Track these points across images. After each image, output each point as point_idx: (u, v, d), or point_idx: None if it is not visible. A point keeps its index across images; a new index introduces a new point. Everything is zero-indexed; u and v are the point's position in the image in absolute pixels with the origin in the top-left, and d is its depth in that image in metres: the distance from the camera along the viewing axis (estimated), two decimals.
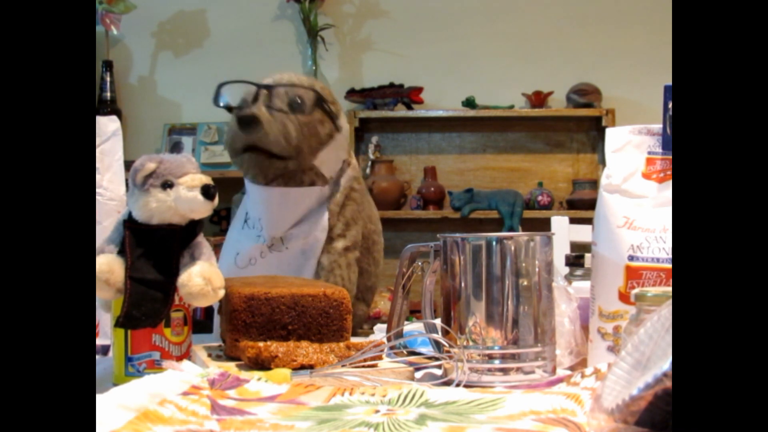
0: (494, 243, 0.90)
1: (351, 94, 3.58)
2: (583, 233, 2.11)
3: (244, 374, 0.81)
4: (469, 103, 3.54)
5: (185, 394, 0.73)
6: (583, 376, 0.79)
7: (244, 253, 1.31)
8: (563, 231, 2.10)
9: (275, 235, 1.30)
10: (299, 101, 1.26)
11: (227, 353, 1.00)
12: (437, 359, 0.95)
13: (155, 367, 0.91)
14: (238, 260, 1.31)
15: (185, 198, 0.92)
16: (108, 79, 3.62)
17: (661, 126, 1.01)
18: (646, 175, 1.01)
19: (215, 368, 0.81)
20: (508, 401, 0.74)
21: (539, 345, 0.90)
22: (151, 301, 0.91)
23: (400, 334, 1.04)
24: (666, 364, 0.53)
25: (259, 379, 0.80)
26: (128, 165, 1.01)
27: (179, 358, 0.93)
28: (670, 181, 1.00)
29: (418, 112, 3.56)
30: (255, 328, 0.97)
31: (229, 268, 1.30)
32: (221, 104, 1.29)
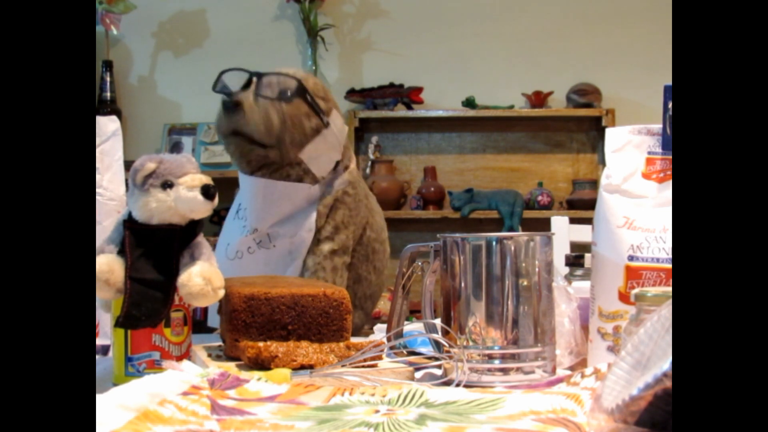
0: (494, 243, 0.90)
1: (351, 94, 3.58)
2: (583, 233, 2.11)
3: (244, 374, 0.81)
4: (469, 103, 3.54)
5: (185, 394, 0.73)
6: (583, 376, 0.79)
7: (233, 245, 1.32)
8: (563, 231, 2.10)
9: (258, 226, 1.29)
10: (287, 91, 1.27)
11: (227, 353, 1.00)
12: (437, 359, 0.95)
13: (155, 367, 0.91)
14: (228, 251, 1.32)
15: (185, 198, 0.92)
16: (108, 79, 3.62)
17: (661, 126, 1.01)
18: (646, 175, 1.01)
19: (215, 368, 0.81)
20: (508, 401, 0.74)
21: (539, 345, 0.90)
22: (151, 301, 0.91)
23: (400, 334, 1.04)
24: (666, 364, 0.53)
25: (259, 379, 0.80)
26: (128, 165, 1.01)
27: (179, 358, 0.93)
28: (670, 181, 1.00)
29: (418, 112, 3.56)
30: (255, 328, 0.97)
31: (220, 258, 1.30)
32: (218, 90, 1.31)
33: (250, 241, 1.30)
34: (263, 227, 1.29)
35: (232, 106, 1.25)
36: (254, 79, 1.28)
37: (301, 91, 1.28)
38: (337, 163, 1.34)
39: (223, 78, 1.31)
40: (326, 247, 1.30)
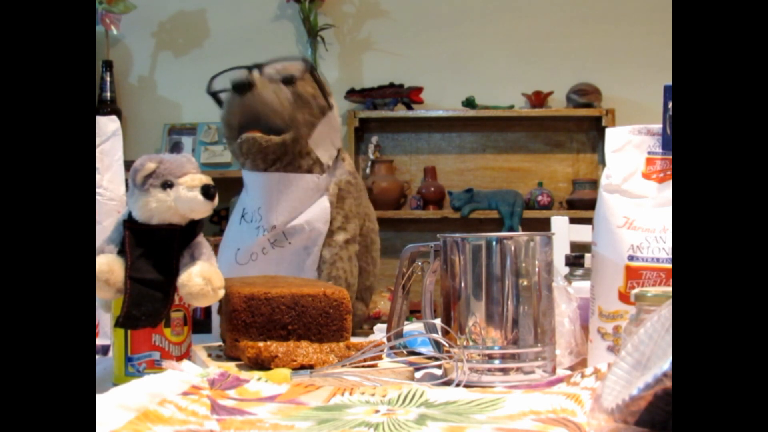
0: (494, 243, 0.90)
1: (351, 94, 3.58)
2: (583, 233, 2.11)
3: (244, 374, 0.81)
4: (469, 103, 3.53)
5: (185, 394, 0.73)
6: (583, 376, 0.79)
7: (244, 249, 1.30)
8: (563, 231, 2.10)
9: (275, 223, 1.29)
10: (291, 75, 1.28)
11: (227, 353, 1.00)
12: (437, 359, 0.95)
13: (155, 367, 0.91)
14: (239, 256, 1.30)
15: (185, 198, 0.92)
16: (108, 79, 3.61)
17: (661, 126, 1.01)
18: (646, 175, 1.01)
19: (215, 368, 0.81)
20: (508, 401, 0.74)
21: (539, 345, 0.90)
22: (151, 301, 0.91)
23: (400, 334, 1.04)
24: (666, 364, 0.53)
25: (259, 379, 0.80)
26: (128, 165, 1.01)
27: (179, 358, 0.93)
28: (670, 181, 1.00)
29: (418, 112, 3.56)
30: (255, 328, 0.97)
31: (230, 264, 1.30)
32: (212, 92, 1.31)
33: (264, 242, 1.29)
34: (280, 223, 1.29)
35: (246, 84, 1.26)
36: (255, 70, 1.29)
37: (309, 66, 1.30)
38: (338, 152, 1.35)
39: (216, 81, 1.31)
40: (341, 237, 1.31)
